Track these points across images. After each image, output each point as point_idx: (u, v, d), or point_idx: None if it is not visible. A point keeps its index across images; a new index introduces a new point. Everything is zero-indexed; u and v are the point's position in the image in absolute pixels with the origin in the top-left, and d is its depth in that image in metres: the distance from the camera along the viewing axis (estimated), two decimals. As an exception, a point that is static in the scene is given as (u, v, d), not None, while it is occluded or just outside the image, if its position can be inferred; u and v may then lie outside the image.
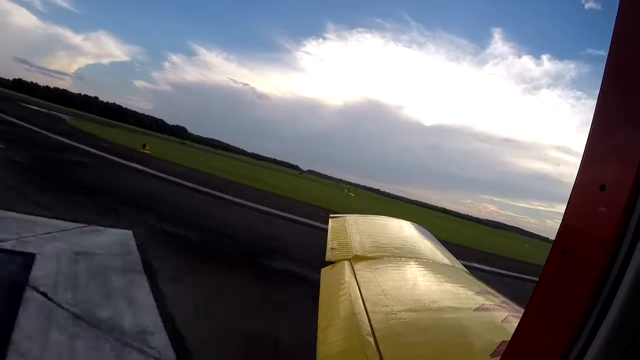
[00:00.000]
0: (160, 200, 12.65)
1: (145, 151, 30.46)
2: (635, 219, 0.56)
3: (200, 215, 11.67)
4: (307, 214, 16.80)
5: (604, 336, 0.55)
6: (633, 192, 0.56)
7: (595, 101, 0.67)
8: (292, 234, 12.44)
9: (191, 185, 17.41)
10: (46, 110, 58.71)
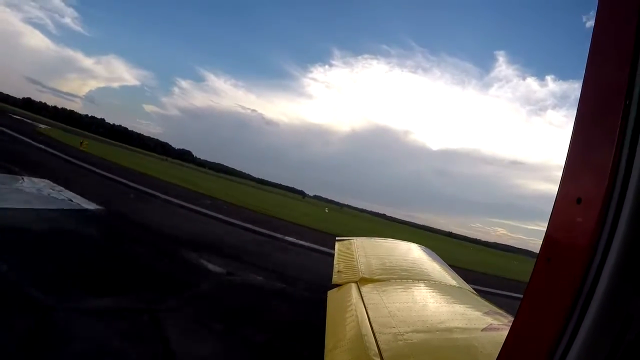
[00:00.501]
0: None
1: (82, 148, 32.04)
2: (608, 228, 0.63)
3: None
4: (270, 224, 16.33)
5: (584, 335, 0.60)
6: (605, 204, 0.64)
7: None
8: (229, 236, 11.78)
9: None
10: (30, 121, 60.32)
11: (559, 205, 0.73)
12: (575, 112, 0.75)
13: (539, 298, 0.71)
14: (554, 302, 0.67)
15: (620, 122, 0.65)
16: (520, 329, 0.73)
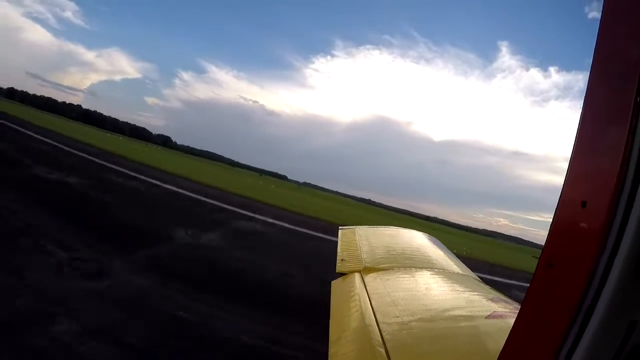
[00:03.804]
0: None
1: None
2: (614, 234, 0.60)
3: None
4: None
5: (586, 344, 0.59)
6: (611, 208, 0.61)
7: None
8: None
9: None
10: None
11: (562, 208, 0.70)
12: (581, 106, 0.72)
13: (539, 305, 0.70)
14: (555, 309, 0.65)
15: (630, 122, 0.62)
16: (519, 335, 0.72)
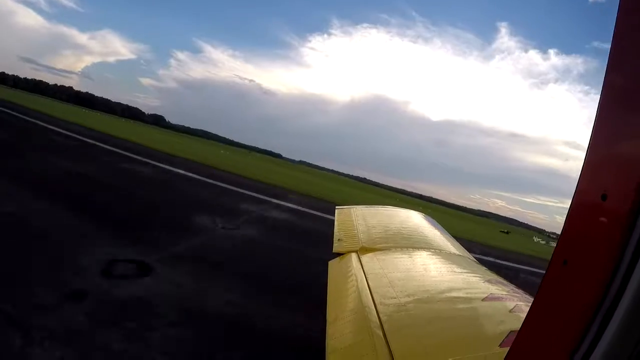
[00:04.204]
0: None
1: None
2: (638, 230, 0.55)
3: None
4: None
5: (602, 351, 0.56)
6: (636, 202, 0.56)
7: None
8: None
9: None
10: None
11: (579, 201, 0.65)
12: (581, 90, 0.65)
13: (553, 304, 0.65)
14: (571, 308, 0.61)
15: None
16: (531, 336, 0.69)
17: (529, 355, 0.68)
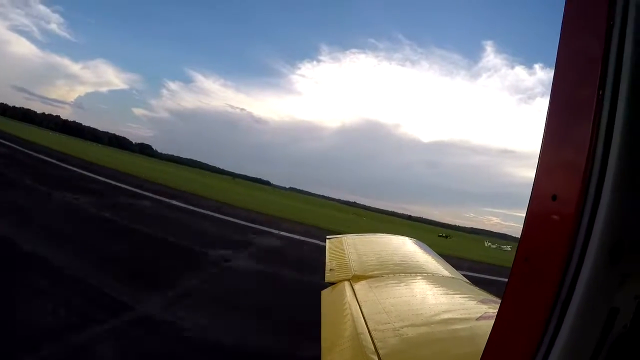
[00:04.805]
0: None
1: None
2: (585, 224, 0.62)
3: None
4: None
5: (567, 333, 0.59)
6: (580, 201, 0.62)
7: None
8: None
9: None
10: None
11: (534, 203, 0.71)
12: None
13: (518, 298, 0.70)
14: (533, 302, 0.65)
15: (594, 116, 0.64)
16: (500, 331, 0.72)
17: (501, 346, 0.71)
